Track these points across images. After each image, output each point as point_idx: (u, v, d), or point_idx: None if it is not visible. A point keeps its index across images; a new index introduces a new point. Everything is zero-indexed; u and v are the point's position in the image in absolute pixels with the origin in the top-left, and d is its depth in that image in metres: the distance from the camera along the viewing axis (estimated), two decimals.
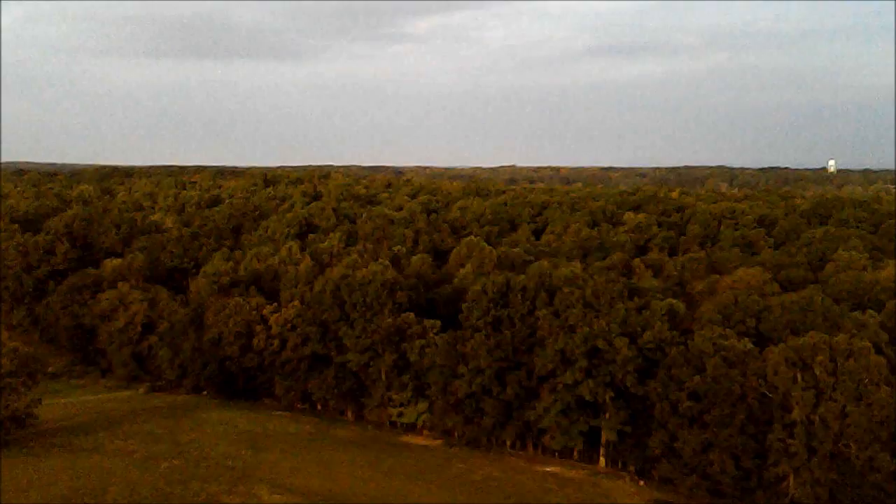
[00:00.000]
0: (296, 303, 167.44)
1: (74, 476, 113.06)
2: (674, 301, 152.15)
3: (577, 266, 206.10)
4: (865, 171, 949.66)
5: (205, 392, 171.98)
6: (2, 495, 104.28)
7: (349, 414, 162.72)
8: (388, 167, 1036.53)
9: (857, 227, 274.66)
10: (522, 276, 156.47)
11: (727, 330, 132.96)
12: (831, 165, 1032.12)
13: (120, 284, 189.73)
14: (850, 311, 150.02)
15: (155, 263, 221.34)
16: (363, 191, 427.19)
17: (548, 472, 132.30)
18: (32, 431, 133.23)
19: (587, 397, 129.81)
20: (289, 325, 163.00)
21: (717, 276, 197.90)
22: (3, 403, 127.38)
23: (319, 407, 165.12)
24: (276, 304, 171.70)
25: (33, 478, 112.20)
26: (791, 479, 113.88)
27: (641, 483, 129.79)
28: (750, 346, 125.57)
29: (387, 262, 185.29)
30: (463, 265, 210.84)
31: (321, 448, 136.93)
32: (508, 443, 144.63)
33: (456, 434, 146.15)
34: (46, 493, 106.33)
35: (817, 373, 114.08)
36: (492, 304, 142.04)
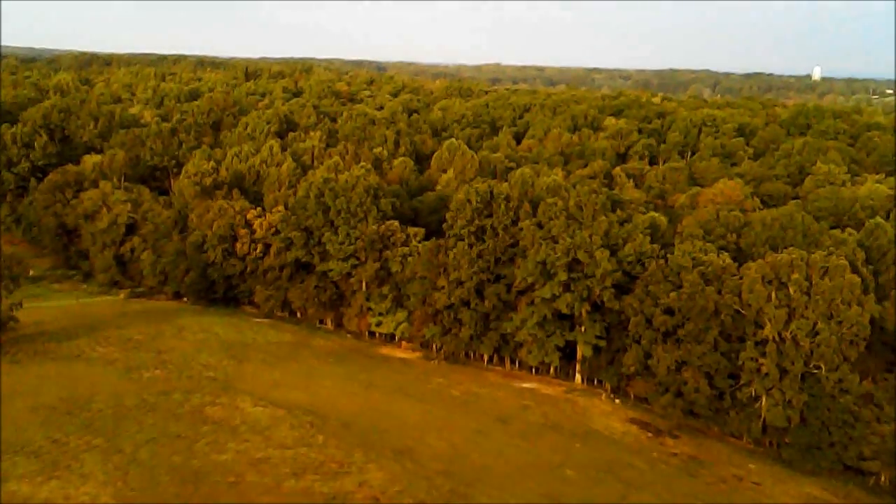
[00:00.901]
0: (280, 207, 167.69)
1: (59, 385, 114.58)
2: (655, 215, 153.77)
3: (559, 174, 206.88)
4: (849, 80, 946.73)
5: (185, 298, 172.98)
6: None
7: (328, 323, 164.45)
8: (371, 62, 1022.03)
9: (836, 138, 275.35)
10: (505, 185, 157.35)
11: (707, 244, 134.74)
12: (816, 73, 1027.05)
13: (102, 183, 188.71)
14: (830, 229, 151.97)
15: (135, 161, 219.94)
16: (345, 87, 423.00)
17: (525, 388, 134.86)
18: (13, 336, 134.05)
19: (564, 310, 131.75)
20: (273, 229, 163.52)
21: (698, 188, 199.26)
22: None
23: (299, 315, 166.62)
24: (260, 208, 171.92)
25: (19, 386, 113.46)
26: (763, 399, 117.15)
27: (617, 401, 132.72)
28: (728, 261, 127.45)
29: (369, 166, 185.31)
30: (444, 170, 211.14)
31: (302, 359, 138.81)
32: (486, 357, 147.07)
33: (434, 347, 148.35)
34: (32, 401, 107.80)
35: (791, 291, 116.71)
36: (475, 214, 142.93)
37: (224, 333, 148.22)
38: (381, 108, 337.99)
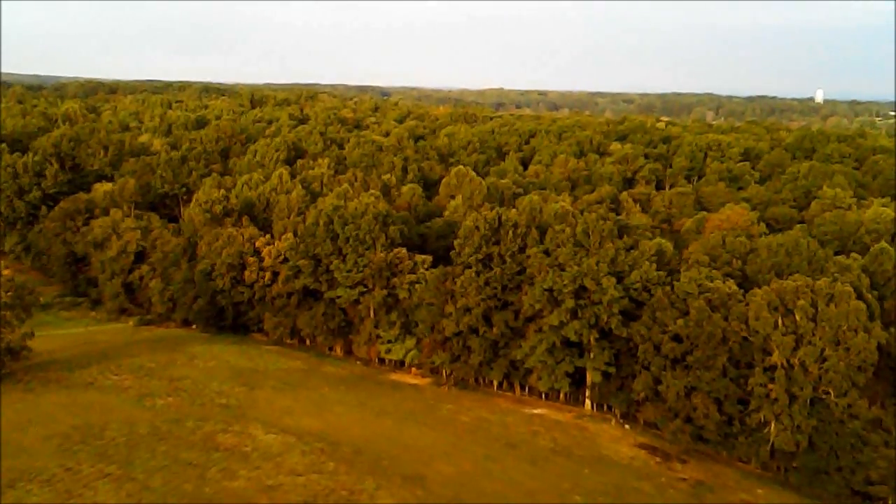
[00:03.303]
0: (289, 235, 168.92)
1: (73, 413, 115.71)
2: (662, 241, 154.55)
3: (566, 199, 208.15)
4: (852, 102, 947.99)
5: (194, 326, 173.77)
6: (1, 433, 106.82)
7: (338, 350, 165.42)
8: (374, 87, 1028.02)
9: (842, 162, 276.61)
10: (514, 212, 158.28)
11: (713, 271, 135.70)
12: (818, 95, 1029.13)
13: (112, 211, 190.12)
14: (835, 255, 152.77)
15: (145, 188, 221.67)
16: (350, 114, 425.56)
17: (535, 413, 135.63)
18: (26, 364, 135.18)
19: (572, 338, 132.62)
20: (281, 257, 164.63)
21: (705, 213, 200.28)
22: None
23: (308, 342, 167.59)
24: (269, 235, 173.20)
25: (32, 414, 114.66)
26: (772, 425, 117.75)
27: (626, 426, 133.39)
28: (734, 288, 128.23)
29: (378, 193, 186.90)
30: (453, 196, 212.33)
31: (312, 386, 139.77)
32: (496, 384, 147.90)
33: (444, 373, 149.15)
34: (47, 430, 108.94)
35: (798, 317, 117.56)
36: (483, 241, 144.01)
37: (235, 361, 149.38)
38: (388, 134, 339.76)
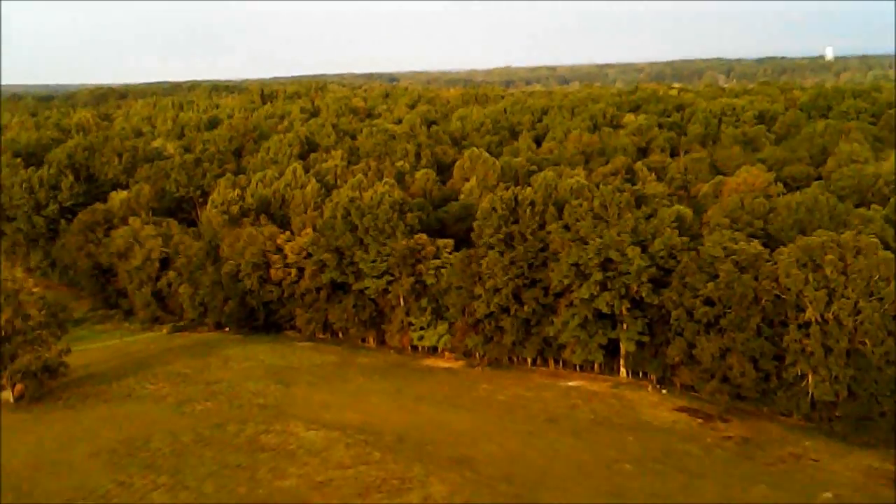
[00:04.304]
0: (308, 230, 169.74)
1: (116, 426, 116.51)
2: (681, 207, 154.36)
3: (580, 174, 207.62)
4: (864, 57, 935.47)
5: (227, 328, 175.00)
6: (49, 453, 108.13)
7: (371, 341, 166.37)
8: (382, 74, 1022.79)
9: (858, 118, 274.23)
10: (529, 190, 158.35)
11: (736, 233, 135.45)
12: (828, 53, 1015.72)
13: (131, 220, 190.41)
14: (855, 208, 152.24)
15: (161, 193, 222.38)
16: (361, 103, 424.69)
17: (571, 386, 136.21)
18: (65, 381, 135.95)
19: (604, 310, 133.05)
20: (304, 252, 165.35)
21: (721, 177, 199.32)
22: (35, 355, 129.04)
23: (340, 335, 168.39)
24: (288, 232, 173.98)
25: (76, 431, 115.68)
26: (810, 377, 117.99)
27: (664, 391, 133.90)
28: (760, 248, 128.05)
29: (392, 181, 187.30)
30: (467, 179, 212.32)
31: (348, 378, 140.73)
32: (530, 360, 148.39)
33: (477, 354, 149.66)
34: (93, 445, 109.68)
35: (828, 272, 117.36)
36: (502, 221, 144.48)
37: (269, 360, 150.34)
38: (400, 121, 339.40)
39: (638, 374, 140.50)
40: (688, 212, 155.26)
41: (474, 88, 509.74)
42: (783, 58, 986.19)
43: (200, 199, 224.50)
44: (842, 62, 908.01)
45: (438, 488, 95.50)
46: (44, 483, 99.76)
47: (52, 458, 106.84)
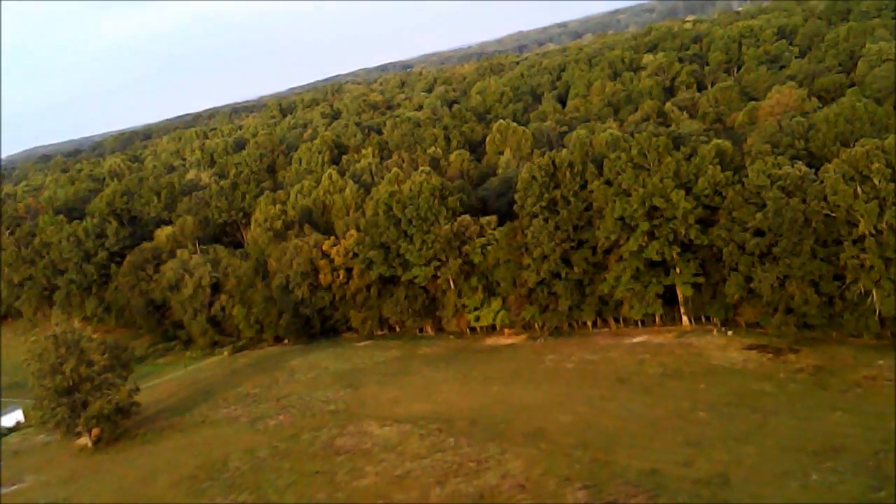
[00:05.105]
0: (352, 231, 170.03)
1: (193, 454, 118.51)
2: (719, 142, 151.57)
3: (612, 125, 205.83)
4: None
5: (286, 341, 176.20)
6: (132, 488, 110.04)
7: (429, 329, 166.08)
8: (394, 63, 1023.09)
9: (879, 15, 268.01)
10: (565, 152, 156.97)
11: (779, 157, 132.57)
12: None
13: (179, 252, 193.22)
14: (894, 109, 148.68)
15: (204, 223, 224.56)
16: (379, 97, 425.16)
17: (636, 342, 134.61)
18: (138, 419, 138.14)
19: (655, 258, 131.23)
20: (350, 253, 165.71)
21: (753, 102, 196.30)
22: (106, 399, 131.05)
23: (398, 329, 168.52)
24: (333, 237, 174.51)
25: (155, 464, 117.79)
26: (874, 293, 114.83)
27: (729, 333, 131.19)
28: (805, 169, 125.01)
29: (427, 168, 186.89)
30: (501, 152, 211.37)
31: (413, 371, 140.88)
32: (590, 323, 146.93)
33: (536, 326, 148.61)
34: (172, 476, 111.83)
35: (876, 182, 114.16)
36: (543, 188, 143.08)
37: (333, 366, 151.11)
38: (421, 107, 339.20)
39: (701, 320, 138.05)
40: (727, 144, 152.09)
41: (488, 59, 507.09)
42: None
43: (244, 221, 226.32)
44: None
45: (515, 464, 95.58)
46: None
47: (135, 493, 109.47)
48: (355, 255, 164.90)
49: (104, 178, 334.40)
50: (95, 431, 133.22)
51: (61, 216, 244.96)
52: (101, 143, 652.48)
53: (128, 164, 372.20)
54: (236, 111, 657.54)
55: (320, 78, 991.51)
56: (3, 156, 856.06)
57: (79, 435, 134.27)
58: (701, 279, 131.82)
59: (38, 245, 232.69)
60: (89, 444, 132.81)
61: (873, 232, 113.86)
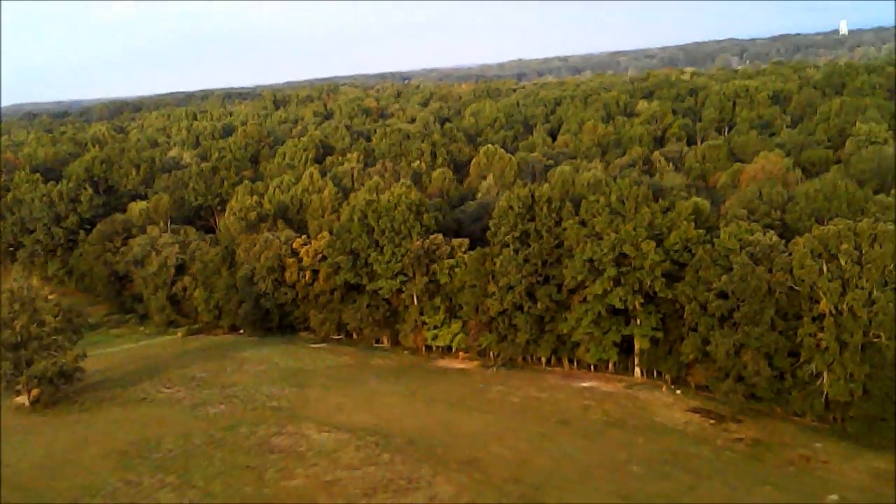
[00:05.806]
0: (324, 233, 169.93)
1: (128, 429, 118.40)
2: (698, 200, 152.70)
3: (597, 167, 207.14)
4: (877, 30, 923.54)
5: (241, 331, 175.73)
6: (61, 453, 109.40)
7: (385, 341, 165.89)
8: (393, 73, 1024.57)
9: (873, 94, 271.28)
10: (546, 186, 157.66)
11: (753, 224, 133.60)
12: (843, 27, 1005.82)
13: (149, 228, 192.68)
14: (874, 194, 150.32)
15: (179, 203, 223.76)
16: (374, 104, 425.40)
17: (585, 387, 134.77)
18: (80, 385, 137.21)
19: (618, 305, 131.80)
20: (319, 255, 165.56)
21: (739, 164, 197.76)
22: (51, 360, 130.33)
23: (355, 336, 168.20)
24: (305, 236, 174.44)
25: (90, 433, 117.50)
26: (825, 375, 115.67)
27: (678, 392, 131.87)
28: (776, 239, 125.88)
29: (409, 182, 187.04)
30: (484, 176, 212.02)
31: (362, 380, 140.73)
32: (544, 360, 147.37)
33: (491, 354, 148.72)
34: (104, 447, 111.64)
35: (842, 262, 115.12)
36: (518, 219, 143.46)
37: (283, 362, 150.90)
38: (413, 120, 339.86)
39: (653, 374, 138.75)
40: (705, 204, 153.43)
41: (486, 83, 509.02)
42: (797, 35, 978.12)
43: (219, 208, 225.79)
44: (856, 36, 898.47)
45: (445, 488, 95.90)
46: (51, 483, 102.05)
47: (63, 458, 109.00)
48: (324, 257, 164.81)
49: (86, 144, 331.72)
50: (35, 392, 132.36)
51: (38, 175, 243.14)
52: (90, 110, 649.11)
53: (112, 133, 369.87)
54: (230, 96, 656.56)
55: (318, 76, 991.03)
56: None
57: (18, 393, 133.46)
58: (660, 334, 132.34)
59: (10, 200, 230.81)
60: (26, 404, 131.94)
61: (833, 311, 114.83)
